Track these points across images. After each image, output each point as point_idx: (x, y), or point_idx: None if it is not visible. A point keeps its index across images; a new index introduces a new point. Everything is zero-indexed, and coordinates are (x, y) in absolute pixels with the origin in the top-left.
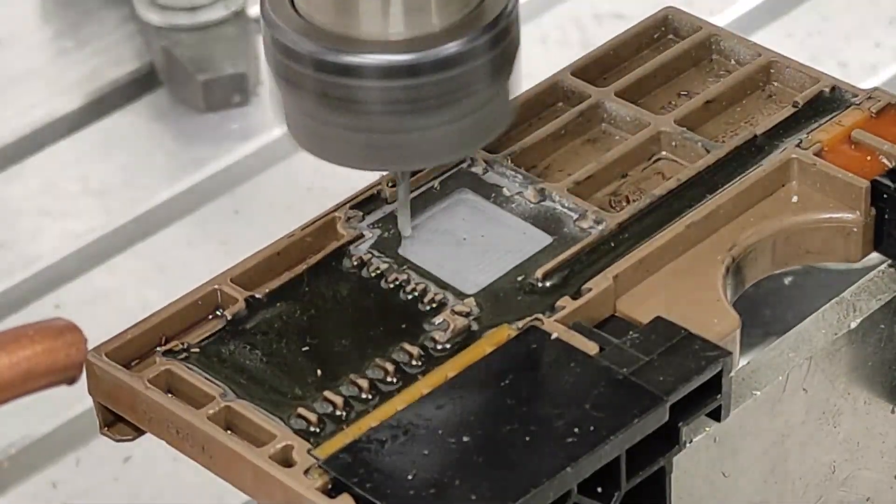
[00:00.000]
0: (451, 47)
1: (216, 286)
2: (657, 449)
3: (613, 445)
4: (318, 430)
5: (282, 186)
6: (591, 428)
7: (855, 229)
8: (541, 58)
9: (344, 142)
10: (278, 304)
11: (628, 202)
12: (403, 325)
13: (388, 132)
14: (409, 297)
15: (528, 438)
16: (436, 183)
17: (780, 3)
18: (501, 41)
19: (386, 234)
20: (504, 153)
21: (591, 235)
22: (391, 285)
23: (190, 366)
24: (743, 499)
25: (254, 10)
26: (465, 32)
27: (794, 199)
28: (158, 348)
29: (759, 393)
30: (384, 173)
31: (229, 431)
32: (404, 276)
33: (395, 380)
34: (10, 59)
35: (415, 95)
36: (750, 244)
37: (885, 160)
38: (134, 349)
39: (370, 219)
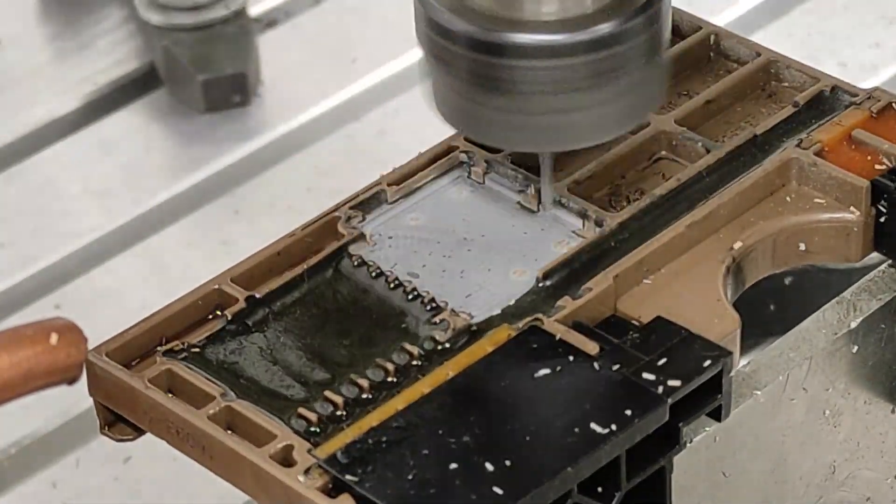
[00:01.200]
0: (604, 28)
1: (216, 286)
2: (657, 449)
3: (613, 445)
4: (318, 429)
5: (282, 186)
6: (592, 428)
7: (855, 229)
8: None
9: (496, 122)
10: (279, 304)
11: (628, 202)
12: (404, 325)
13: (540, 113)
14: (410, 296)
15: (528, 438)
16: (437, 183)
17: (780, 3)
18: (654, 23)
19: (386, 234)
20: (505, 153)
21: (591, 235)
22: (391, 285)
23: (190, 366)
24: (743, 498)
25: (254, 10)
26: (618, 13)
27: (794, 199)
28: (159, 348)
29: (759, 393)
30: (384, 172)
31: (230, 431)
32: (405, 276)
33: (395, 380)
34: (10, 59)
35: (568, 76)
36: (750, 244)
37: (885, 160)
38: (134, 349)
39: (370, 219)
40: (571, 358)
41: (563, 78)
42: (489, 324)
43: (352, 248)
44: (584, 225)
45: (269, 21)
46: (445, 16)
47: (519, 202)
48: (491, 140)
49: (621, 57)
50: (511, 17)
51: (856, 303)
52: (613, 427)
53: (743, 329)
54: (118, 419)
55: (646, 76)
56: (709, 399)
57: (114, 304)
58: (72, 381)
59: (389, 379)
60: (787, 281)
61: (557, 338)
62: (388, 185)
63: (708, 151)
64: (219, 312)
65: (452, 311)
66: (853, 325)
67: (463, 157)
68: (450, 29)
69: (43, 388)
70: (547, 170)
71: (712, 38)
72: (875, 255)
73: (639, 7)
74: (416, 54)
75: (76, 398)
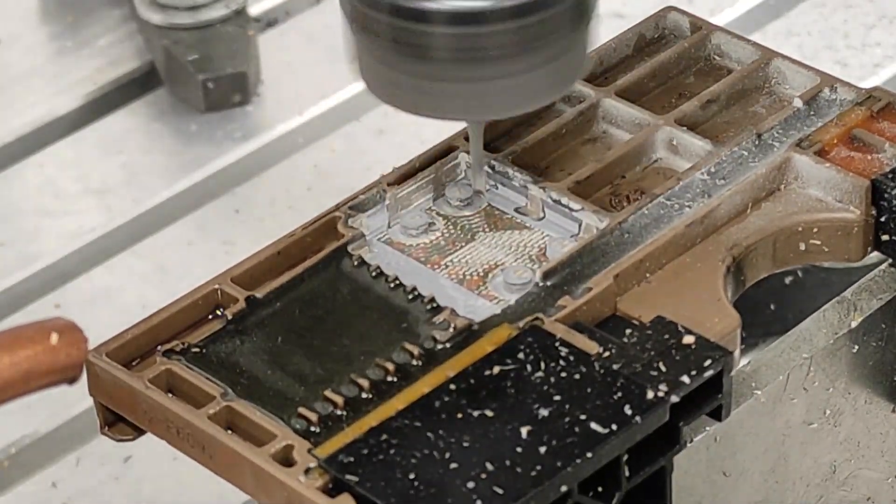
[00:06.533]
0: None
1: (216, 286)
2: (658, 448)
3: (614, 445)
4: (318, 429)
5: (282, 186)
6: (592, 427)
7: (855, 228)
8: None
9: (419, 90)
10: (279, 304)
11: (628, 202)
12: (404, 325)
13: (462, 81)
14: (410, 296)
15: (528, 438)
16: (437, 182)
17: (780, 3)
18: None
19: (386, 234)
20: (505, 153)
21: (591, 235)
22: (391, 284)
23: (190, 365)
24: (743, 498)
25: (254, 10)
26: None
27: (794, 198)
28: (159, 348)
29: (759, 392)
30: (384, 172)
31: (230, 431)
32: (405, 276)
33: (395, 379)
34: (10, 59)
35: (490, 43)
36: (750, 244)
37: (885, 159)
38: (134, 349)
39: (370, 219)
40: (572, 358)
41: (488, 45)
42: (489, 323)
43: (351, 248)
44: (584, 225)
45: (269, 20)
46: None
47: (519, 203)
48: (417, 110)
49: (547, 24)
50: None
51: (856, 302)
52: (614, 427)
53: (743, 329)
54: (118, 419)
55: (572, 44)
56: (709, 399)
57: (114, 304)
58: (72, 380)
59: (389, 378)
60: (788, 281)
61: (558, 337)
62: (388, 185)
63: (708, 151)
64: (219, 312)
65: (452, 310)
66: (853, 324)
67: (464, 157)
68: None
69: (43, 388)
70: (476, 139)
71: (712, 38)
72: (875, 255)
73: None
74: None
75: (76, 398)
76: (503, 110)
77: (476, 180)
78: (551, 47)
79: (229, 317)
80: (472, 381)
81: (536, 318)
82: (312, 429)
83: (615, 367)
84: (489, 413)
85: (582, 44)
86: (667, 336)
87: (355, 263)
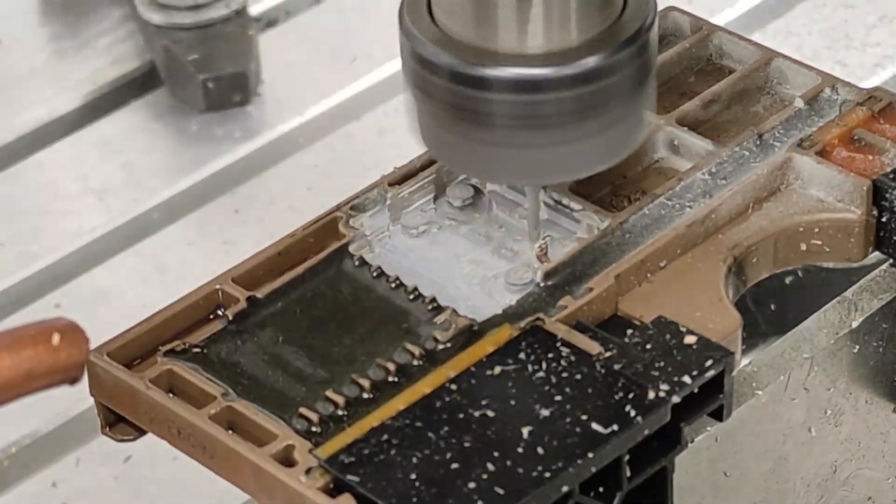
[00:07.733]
0: (590, 62)
1: (217, 286)
2: (659, 449)
3: (615, 445)
4: (319, 429)
5: (282, 186)
6: (593, 428)
7: (856, 229)
8: None
9: (478, 154)
10: (279, 304)
11: (629, 202)
12: (405, 325)
13: (522, 147)
14: (411, 296)
15: (529, 438)
16: (438, 183)
17: (780, 2)
18: (640, 56)
19: (387, 234)
20: None
21: (592, 235)
22: (392, 285)
23: (191, 365)
24: (744, 498)
25: (254, 9)
26: (605, 47)
27: (795, 198)
28: (160, 348)
29: (760, 392)
30: (385, 172)
31: (230, 431)
32: (406, 276)
33: (396, 379)
34: (10, 59)
35: (551, 110)
36: (751, 244)
37: (886, 160)
38: (135, 349)
39: (371, 219)
40: (573, 358)
41: (548, 112)
42: (490, 324)
43: (352, 248)
44: (585, 225)
45: (270, 20)
46: (430, 48)
47: (520, 203)
48: (476, 173)
49: (607, 91)
50: (496, 49)
51: (857, 302)
52: (615, 427)
53: (744, 329)
54: (119, 419)
55: (631, 109)
56: (710, 399)
57: (114, 304)
58: (73, 381)
59: (391, 379)
60: (788, 281)
61: (559, 338)
62: (389, 185)
63: (709, 151)
64: (220, 312)
65: (454, 310)
66: (854, 324)
67: None
68: (434, 62)
69: (44, 389)
70: (533, 203)
71: (712, 38)
72: (876, 255)
73: (625, 40)
74: None
75: (76, 398)
76: (561, 175)
77: (532, 236)
78: (609, 115)
79: (230, 317)
80: (473, 381)
81: (537, 319)
82: (313, 429)
83: (616, 367)
84: (490, 413)
85: (640, 111)
86: (668, 336)
87: (356, 263)
